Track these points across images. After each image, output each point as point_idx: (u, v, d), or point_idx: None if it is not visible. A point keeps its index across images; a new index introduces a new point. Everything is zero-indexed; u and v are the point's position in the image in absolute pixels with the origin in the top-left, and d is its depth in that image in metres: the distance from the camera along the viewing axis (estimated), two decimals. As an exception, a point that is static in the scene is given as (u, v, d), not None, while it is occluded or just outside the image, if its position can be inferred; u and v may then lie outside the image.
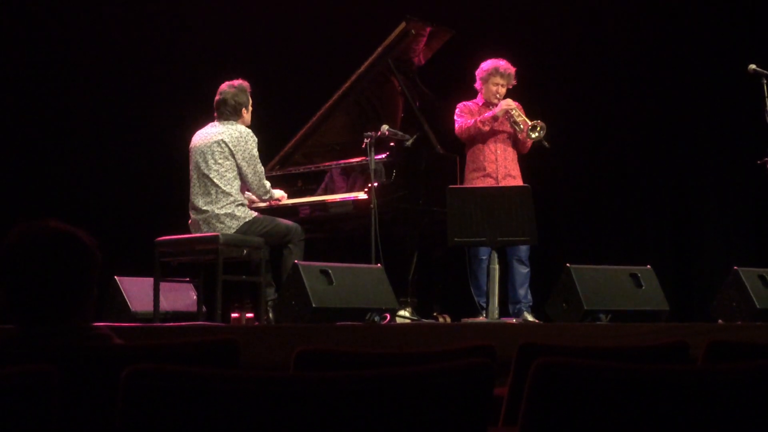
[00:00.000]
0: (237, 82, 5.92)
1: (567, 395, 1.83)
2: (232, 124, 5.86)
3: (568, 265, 5.95)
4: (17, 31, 7.70)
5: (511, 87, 6.78)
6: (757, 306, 5.95)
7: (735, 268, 6.16)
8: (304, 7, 8.30)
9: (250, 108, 5.95)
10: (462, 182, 6.70)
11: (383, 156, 6.39)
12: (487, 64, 6.77)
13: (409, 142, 6.52)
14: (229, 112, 5.87)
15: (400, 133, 6.45)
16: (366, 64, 6.75)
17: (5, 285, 2.35)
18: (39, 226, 2.37)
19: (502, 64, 6.75)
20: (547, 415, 1.83)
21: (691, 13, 8.55)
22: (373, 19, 7.61)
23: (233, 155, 5.78)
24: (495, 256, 5.94)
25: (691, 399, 1.91)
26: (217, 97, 5.92)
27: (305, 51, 8.23)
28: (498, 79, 6.73)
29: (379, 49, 6.70)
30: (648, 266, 6.16)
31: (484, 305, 6.46)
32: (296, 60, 8.23)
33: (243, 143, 5.79)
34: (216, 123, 5.90)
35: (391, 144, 6.49)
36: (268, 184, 5.98)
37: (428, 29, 6.80)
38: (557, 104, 7.17)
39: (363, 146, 6.23)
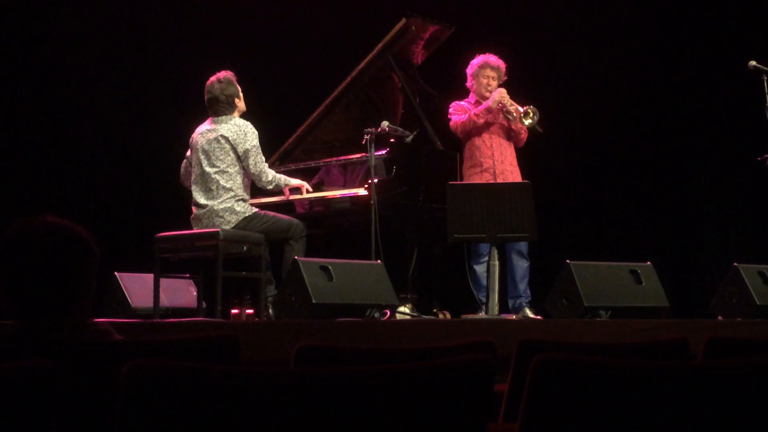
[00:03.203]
0: (222, 75, 5.92)
1: (567, 391, 1.83)
2: (230, 118, 5.89)
3: (568, 261, 5.95)
4: (18, 27, 7.69)
5: (501, 82, 6.79)
6: (757, 302, 5.95)
7: (735, 264, 6.16)
8: (304, 3, 8.29)
9: (242, 95, 5.96)
10: (461, 179, 6.70)
11: (383, 152, 6.39)
12: (476, 60, 6.82)
13: (409, 139, 6.51)
14: (223, 107, 5.89)
15: (400, 129, 6.44)
16: (366, 60, 6.75)
17: (4, 280, 2.35)
18: (38, 221, 2.37)
19: (492, 58, 6.78)
20: (547, 411, 1.84)
21: (691, 9, 8.54)
22: (373, 15, 7.61)
23: (234, 149, 5.80)
24: (495, 252, 5.94)
25: (691, 395, 1.91)
26: (206, 96, 5.92)
27: (306, 47, 8.23)
28: (488, 72, 6.75)
29: (379, 46, 6.70)
30: (648, 263, 6.17)
31: (484, 301, 6.46)
32: (297, 56, 8.22)
33: (243, 135, 5.83)
34: (215, 118, 5.92)
35: (392, 140, 6.48)
36: (270, 173, 5.98)
37: (428, 26, 6.79)
38: (556, 101, 7.17)
39: (363, 142, 6.23)
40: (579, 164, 8.29)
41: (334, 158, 6.74)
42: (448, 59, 7.29)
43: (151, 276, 5.91)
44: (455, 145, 6.85)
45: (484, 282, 6.45)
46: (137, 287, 6.47)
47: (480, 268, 6.61)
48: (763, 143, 6.44)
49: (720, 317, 6.05)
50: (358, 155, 6.49)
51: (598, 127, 8.49)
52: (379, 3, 7.81)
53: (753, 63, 6.43)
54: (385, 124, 6.29)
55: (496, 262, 5.91)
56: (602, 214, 8.70)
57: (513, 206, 5.85)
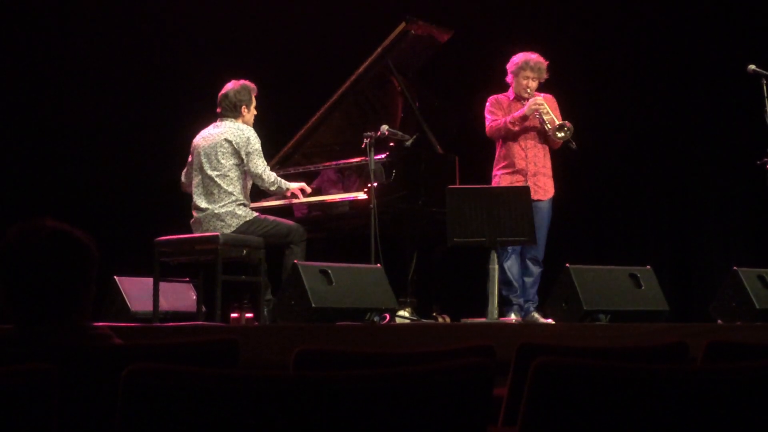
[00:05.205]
0: (244, 81, 5.98)
1: (566, 395, 1.83)
2: (233, 122, 5.90)
3: (567, 265, 5.95)
4: (19, 28, 7.70)
5: (542, 81, 6.69)
6: (757, 306, 5.95)
7: (734, 268, 6.16)
8: (303, 7, 8.30)
9: (252, 108, 5.99)
10: (460, 182, 6.67)
11: (383, 156, 6.39)
12: (517, 58, 6.63)
13: (408, 143, 6.52)
14: (228, 107, 5.93)
15: (399, 133, 6.44)
16: (365, 64, 6.75)
17: (4, 284, 2.35)
18: (37, 225, 2.37)
19: (533, 57, 6.60)
20: (546, 415, 1.84)
21: (691, 13, 8.55)
22: (373, 19, 7.61)
23: (237, 153, 5.82)
24: (494, 256, 5.93)
25: (691, 399, 1.91)
26: (220, 94, 5.97)
27: (305, 51, 8.23)
28: (528, 73, 6.60)
29: (379, 50, 6.70)
30: (648, 266, 6.16)
31: (514, 301, 6.40)
32: (296, 60, 8.22)
33: (246, 140, 5.85)
34: (218, 123, 5.94)
35: (391, 144, 6.49)
36: (273, 175, 5.99)
37: (428, 29, 6.79)
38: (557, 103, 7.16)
39: (363, 146, 6.23)
40: (578, 167, 8.28)
41: (334, 162, 6.74)
42: (453, 61, 7.30)
43: (150, 280, 5.91)
44: (455, 149, 6.84)
45: (509, 278, 6.38)
46: (137, 291, 6.47)
47: (506, 264, 6.47)
48: (763, 147, 6.44)
49: (719, 321, 6.04)
50: (357, 159, 6.49)
51: (597, 130, 8.48)
52: (379, 7, 7.81)
53: (752, 67, 6.43)
54: (384, 128, 6.29)
55: (496, 266, 5.91)
56: (602, 218, 8.70)
57: (512, 210, 5.84)
